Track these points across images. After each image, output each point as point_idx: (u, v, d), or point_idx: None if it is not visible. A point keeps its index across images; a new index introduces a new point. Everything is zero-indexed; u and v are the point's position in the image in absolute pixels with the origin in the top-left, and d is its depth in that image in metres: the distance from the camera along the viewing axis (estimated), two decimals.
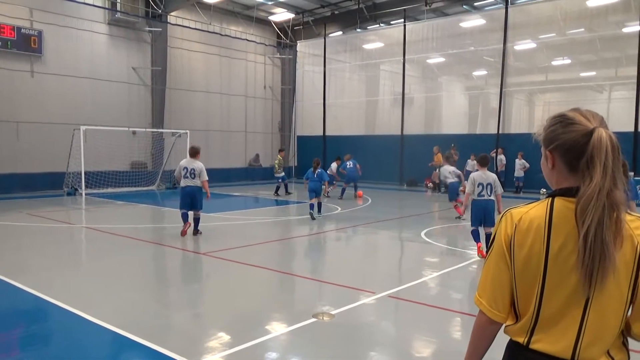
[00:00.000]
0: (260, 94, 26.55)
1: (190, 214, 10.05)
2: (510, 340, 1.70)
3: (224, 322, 5.20)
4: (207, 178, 10.02)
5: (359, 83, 26.55)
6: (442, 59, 24.56)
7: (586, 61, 23.51)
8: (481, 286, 1.71)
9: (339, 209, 14.63)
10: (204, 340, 4.66)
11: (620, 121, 18.12)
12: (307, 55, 27.19)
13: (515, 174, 19.14)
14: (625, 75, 18.83)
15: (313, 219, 12.32)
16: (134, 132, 20.54)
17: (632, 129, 17.50)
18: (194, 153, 10.06)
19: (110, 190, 18.65)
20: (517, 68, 22.73)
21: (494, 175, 8.04)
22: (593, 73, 24.00)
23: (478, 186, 7.86)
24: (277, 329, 4.99)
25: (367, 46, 25.60)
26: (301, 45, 27.29)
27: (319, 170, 12.84)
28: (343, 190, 17.77)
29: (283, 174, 18.69)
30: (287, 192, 18.69)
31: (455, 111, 25.59)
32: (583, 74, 24.46)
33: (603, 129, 1.51)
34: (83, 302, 5.68)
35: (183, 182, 9.90)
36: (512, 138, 20.48)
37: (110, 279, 6.91)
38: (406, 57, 23.31)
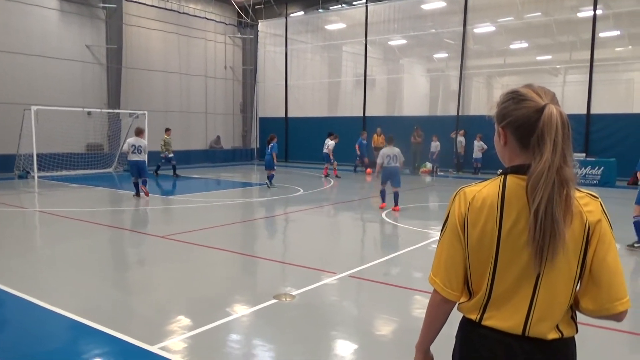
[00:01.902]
0: (221, 75, 26.04)
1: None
2: (464, 317, 1.70)
3: (184, 306, 5.12)
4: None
5: (321, 64, 26.39)
6: (403, 41, 24.66)
7: (543, 45, 24.06)
8: (435, 265, 1.71)
9: (301, 190, 14.61)
10: (164, 324, 4.58)
11: (574, 104, 18.67)
12: (269, 36, 26.80)
13: (474, 156, 19.52)
14: (580, 59, 19.37)
15: (268, 187, 14.52)
16: (89, 113, 19.83)
17: (584, 112, 18.08)
18: (139, 132, 12.45)
19: (64, 173, 18.01)
20: (477, 51, 23.05)
21: (397, 149, 10.71)
22: (549, 57, 24.60)
23: (386, 157, 10.62)
24: (238, 311, 4.95)
25: (329, 27, 25.42)
26: (262, 25, 26.85)
27: (272, 144, 14.68)
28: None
29: (171, 154, 17.93)
30: (170, 174, 17.25)
31: (416, 93, 25.82)
32: (539, 58, 25.06)
33: (554, 106, 1.51)
34: (37, 289, 5.48)
35: (131, 157, 12.12)
36: (472, 120, 20.84)
37: (65, 264, 6.69)
38: (368, 38, 23.28)
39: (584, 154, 16.77)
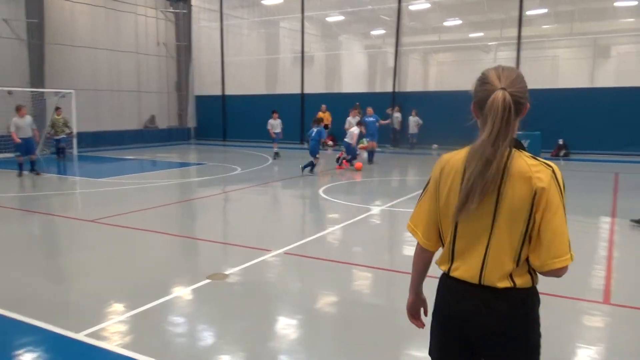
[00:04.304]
0: (154, 51, 24.99)
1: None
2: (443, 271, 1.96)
3: (115, 291, 4.93)
4: (35, 127, 13.32)
5: (258, 40, 25.91)
6: (341, 17, 24.59)
7: (475, 22, 24.73)
8: (415, 218, 2.00)
9: (239, 169, 14.40)
10: (94, 311, 4.39)
11: None
12: (203, 10, 25.92)
13: (410, 131, 19.90)
14: (509, 36, 20.02)
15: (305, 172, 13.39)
16: (9, 92, 18.50)
17: None
18: (19, 109, 12.78)
19: None
20: (412, 28, 23.36)
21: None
22: (481, 34, 25.35)
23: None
24: (171, 292, 4.82)
25: (265, 2, 24.91)
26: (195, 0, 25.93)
27: (318, 128, 13.78)
28: (371, 155, 16.10)
29: (63, 135, 16.88)
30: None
31: (355, 70, 25.95)
32: (472, 35, 25.77)
33: (502, 91, 1.70)
34: None
35: (20, 134, 12.53)
36: (408, 96, 21.20)
37: None
38: (305, 14, 23.01)
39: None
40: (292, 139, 22.96)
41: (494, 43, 23.26)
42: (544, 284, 1.92)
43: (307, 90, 23.41)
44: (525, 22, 19.41)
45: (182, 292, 4.84)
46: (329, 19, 24.77)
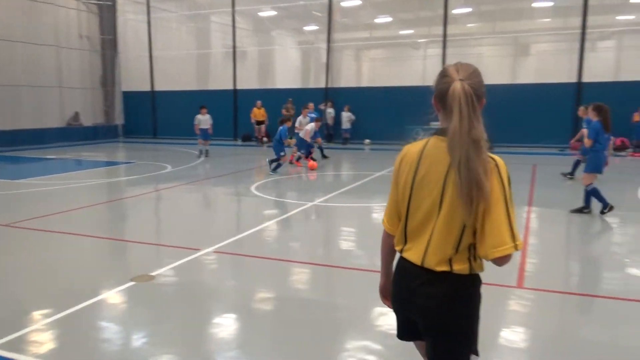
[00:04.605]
0: (76, 45, 23.73)
1: None
2: None
3: (31, 297, 4.64)
4: None
5: (188, 35, 25.25)
6: (273, 12, 24.43)
7: (405, 19, 25.34)
8: (386, 207, 2.15)
9: (169, 167, 14.01)
10: (7, 319, 4.12)
11: (432, 76, 19.86)
12: (128, 2, 24.90)
13: (343, 126, 20.14)
14: (437, 34, 20.63)
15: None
16: None
17: None
18: None
19: None
20: (344, 24, 23.59)
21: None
22: (411, 31, 25.98)
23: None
24: (93, 297, 4.60)
25: None
26: None
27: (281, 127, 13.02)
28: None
29: None
30: None
31: (288, 65, 25.86)
32: (402, 32, 26.38)
33: (461, 82, 1.82)
34: None
35: None
36: (341, 92, 21.41)
37: None
38: (236, 8, 22.68)
39: (439, 122, 18.07)
40: (225, 136, 22.64)
41: (423, 40, 23.88)
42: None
43: (240, 86, 23.11)
44: (451, 21, 20.10)
45: (105, 296, 4.64)
46: (261, 14, 24.54)
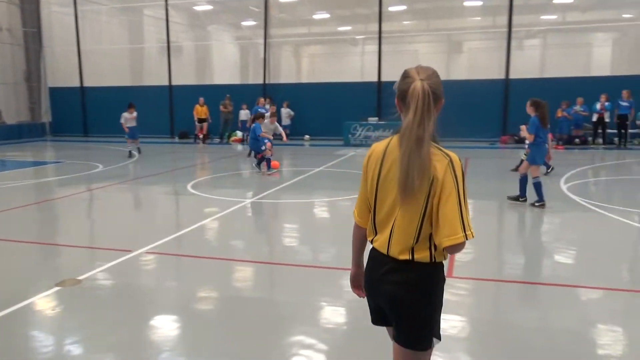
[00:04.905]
0: None
1: None
2: None
3: None
4: None
5: (119, 28, 24.25)
6: (209, 7, 23.92)
7: (343, 16, 25.49)
8: (357, 201, 2.27)
9: (101, 166, 13.42)
10: None
11: (369, 72, 20.27)
12: None
13: (282, 122, 20.02)
14: (373, 31, 20.92)
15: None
16: None
17: (376, 79, 19.74)
18: None
19: None
20: (282, 20, 23.46)
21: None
22: (349, 27, 26.20)
23: None
24: (14, 304, 4.30)
25: None
26: None
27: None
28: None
29: None
30: None
31: (226, 61, 25.42)
32: (340, 28, 26.56)
33: (421, 82, 1.96)
34: None
35: None
36: (280, 88, 21.29)
37: None
38: (170, 2, 22.02)
39: (376, 118, 18.40)
40: (161, 133, 22.02)
41: (360, 37, 24.14)
42: None
43: (176, 82, 22.48)
44: (386, 18, 20.44)
45: (28, 303, 4.35)
46: (197, 8, 23.96)
